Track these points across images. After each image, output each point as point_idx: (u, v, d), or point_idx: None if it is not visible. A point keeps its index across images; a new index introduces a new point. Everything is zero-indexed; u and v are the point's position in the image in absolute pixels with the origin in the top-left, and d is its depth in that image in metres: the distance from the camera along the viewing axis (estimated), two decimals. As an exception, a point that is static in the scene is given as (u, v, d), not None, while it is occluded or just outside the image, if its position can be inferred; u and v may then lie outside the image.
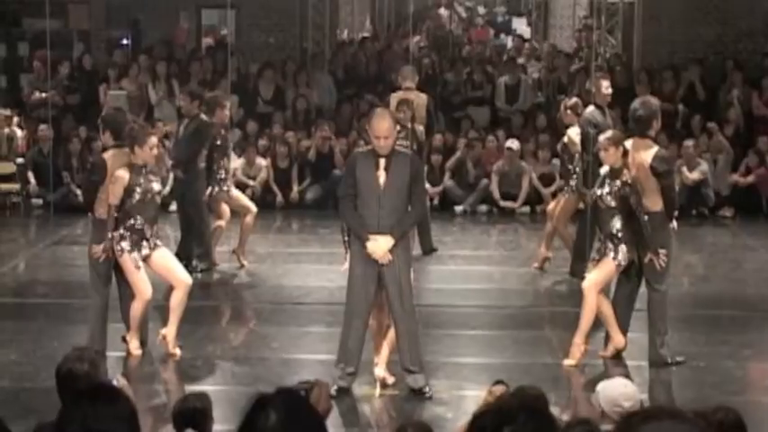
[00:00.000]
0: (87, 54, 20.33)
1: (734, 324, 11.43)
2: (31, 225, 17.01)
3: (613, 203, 10.05)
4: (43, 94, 18.90)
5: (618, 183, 10.00)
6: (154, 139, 10.39)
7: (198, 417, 6.35)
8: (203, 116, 13.49)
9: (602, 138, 10.50)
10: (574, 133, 13.14)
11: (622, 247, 9.96)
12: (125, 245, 10.09)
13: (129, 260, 10.10)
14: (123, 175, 10.05)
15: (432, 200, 17.92)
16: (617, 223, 10.01)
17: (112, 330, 10.31)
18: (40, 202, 17.48)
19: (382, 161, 9.24)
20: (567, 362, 10.15)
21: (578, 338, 10.13)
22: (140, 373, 10.00)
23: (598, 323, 10.20)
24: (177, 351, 10.38)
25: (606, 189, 10.12)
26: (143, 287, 10.14)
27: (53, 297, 12.58)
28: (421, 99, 14.74)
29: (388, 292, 9.29)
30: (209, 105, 13.70)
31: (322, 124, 18.45)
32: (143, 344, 10.33)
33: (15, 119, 18.32)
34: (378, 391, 9.68)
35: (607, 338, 10.24)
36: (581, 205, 13.05)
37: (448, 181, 17.87)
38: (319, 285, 12.92)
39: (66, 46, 20.21)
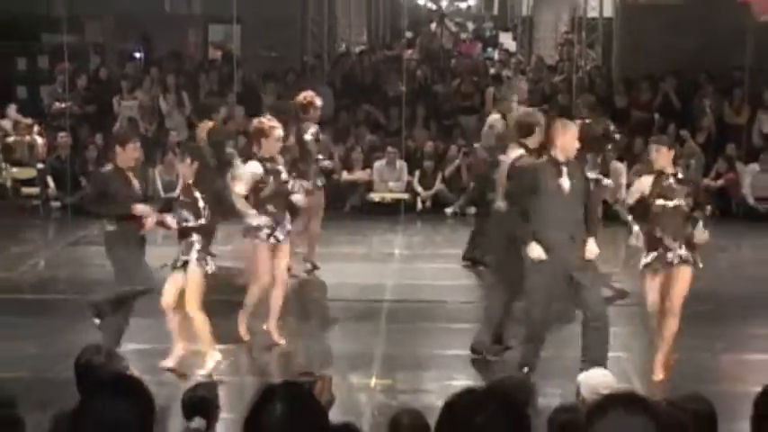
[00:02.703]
0: (103, 67, 20.33)
1: (708, 318, 11.40)
2: (50, 226, 17.00)
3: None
4: (62, 105, 18.95)
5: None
6: None
7: (205, 405, 6.34)
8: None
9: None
10: None
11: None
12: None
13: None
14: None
15: (424, 202, 17.98)
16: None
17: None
18: (59, 204, 17.50)
19: (564, 168, 9.30)
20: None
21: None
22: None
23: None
24: (282, 341, 10.56)
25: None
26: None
27: (70, 294, 12.55)
28: None
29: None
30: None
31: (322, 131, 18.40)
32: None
33: (36, 127, 18.32)
34: (374, 381, 9.70)
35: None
36: None
37: (440, 185, 17.90)
38: (319, 280, 12.93)
39: (83, 59, 20.20)
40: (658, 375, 9.63)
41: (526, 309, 9.81)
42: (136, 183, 10.19)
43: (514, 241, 9.61)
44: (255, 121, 11.12)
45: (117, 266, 10.06)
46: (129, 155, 10.16)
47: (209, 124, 13.57)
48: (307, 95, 13.37)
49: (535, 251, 9.17)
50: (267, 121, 10.97)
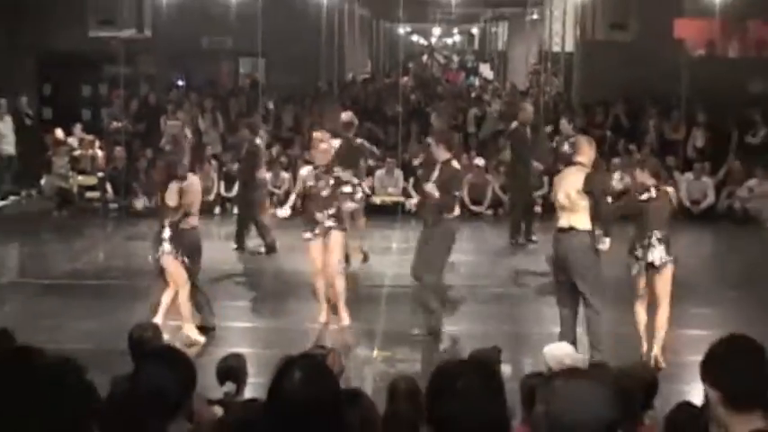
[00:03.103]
0: (151, 93, 20.33)
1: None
2: (108, 224, 16.98)
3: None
4: (118, 124, 18.98)
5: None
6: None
7: (234, 373, 6.35)
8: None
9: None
10: None
11: None
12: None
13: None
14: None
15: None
16: None
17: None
18: (116, 206, 17.49)
19: None
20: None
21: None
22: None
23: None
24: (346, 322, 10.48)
25: None
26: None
27: (124, 280, 12.57)
28: None
29: None
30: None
31: (332, 146, 18.42)
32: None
33: (97, 143, 18.35)
34: (376, 353, 9.69)
35: None
36: None
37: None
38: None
39: (136, 87, 20.20)
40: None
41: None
42: None
43: None
44: (313, 135, 11.03)
45: None
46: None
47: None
48: (346, 116, 13.33)
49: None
50: (317, 134, 10.79)
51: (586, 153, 9.11)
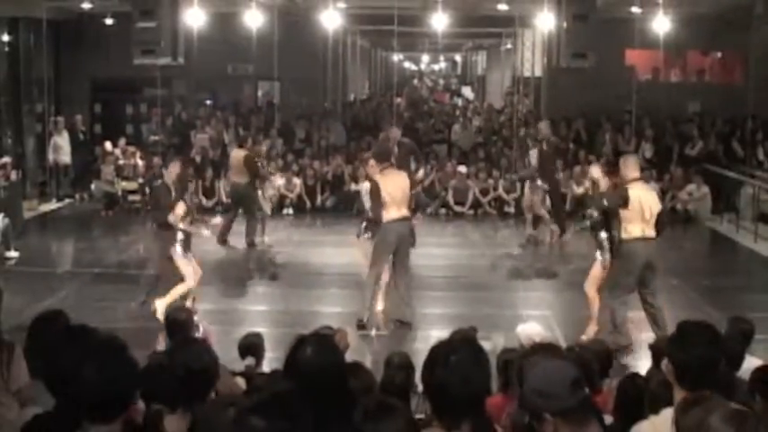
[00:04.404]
0: (183, 111, 20.31)
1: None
2: (148, 222, 16.96)
3: None
4: (156, 137, 18.95)
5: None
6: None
7: (254, 348, 6.35)
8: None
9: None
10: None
11: None
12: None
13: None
14: None
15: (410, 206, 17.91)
16: None
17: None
18: (153, 207, 17.49)
19: None
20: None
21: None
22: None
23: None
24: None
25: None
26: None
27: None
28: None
29: None
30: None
31: (336, 156, 18.44)
32: None
33: (138, 153, 18.32)
34: (374, 332, 9.69)
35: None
36: None
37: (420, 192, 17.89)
38: (335, 261, 12.92)
39: (170, 106, 20.19)
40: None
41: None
42: None
43: None
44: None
45: None
46: None
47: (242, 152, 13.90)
48: (383, 135, 13.22)
49: None
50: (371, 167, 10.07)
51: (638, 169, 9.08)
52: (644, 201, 8.79)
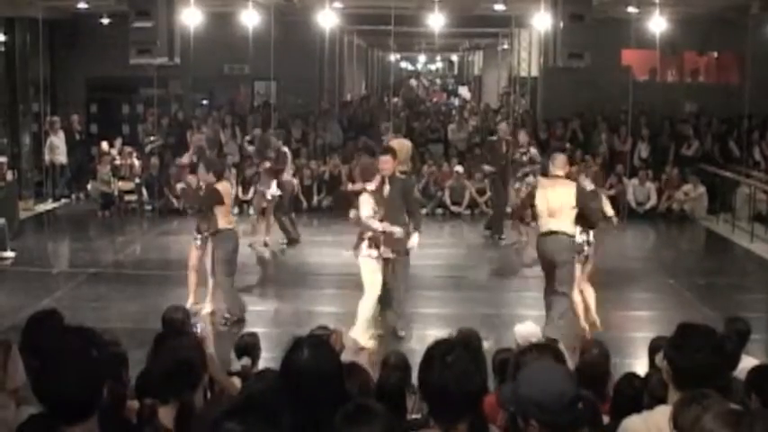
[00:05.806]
0: (180, 111, 20.29)
1: (602, 285, 11.41)
2: (144, 222, 16.95)
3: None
4: (152, 137, 18.92)
5: None
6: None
7: (250, 348, 6.34)
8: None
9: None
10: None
11: None
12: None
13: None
14: None
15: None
16: None
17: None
18: (150, 207, 17.46)
19: None
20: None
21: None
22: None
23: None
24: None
25: None
26: None
27: (158, 270, 12.56)
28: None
29: None
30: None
31: (333, 156, 18.43)
32: None
33: (134, 153, 18.29)
34: (372, 332, 9.68)
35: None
36: None
37: (416, 193, 17.88)
38: (331, 261, 12.90)
39: (167, 106, 20.17)
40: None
41: None
42: None
43: None
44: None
45: None
46: None
47: None
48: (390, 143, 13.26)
49: None
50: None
51: (563, 167, 9.17)
52: (551, 198, 8.93)
